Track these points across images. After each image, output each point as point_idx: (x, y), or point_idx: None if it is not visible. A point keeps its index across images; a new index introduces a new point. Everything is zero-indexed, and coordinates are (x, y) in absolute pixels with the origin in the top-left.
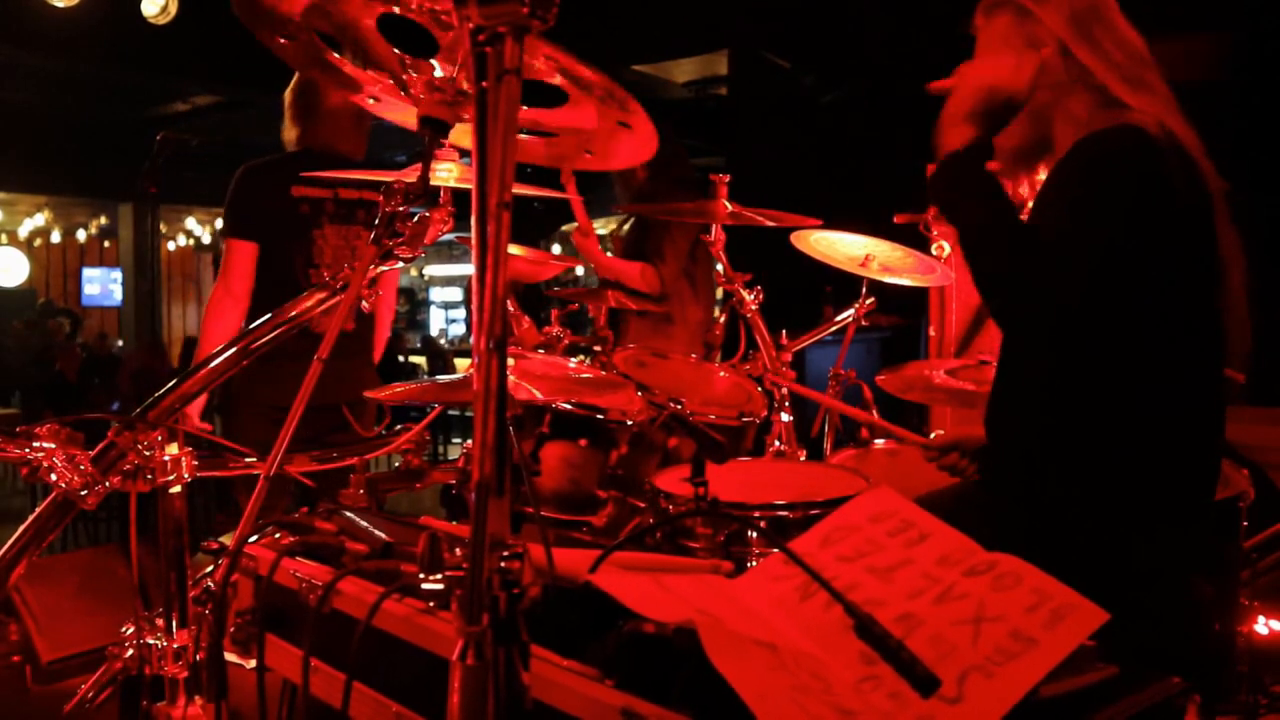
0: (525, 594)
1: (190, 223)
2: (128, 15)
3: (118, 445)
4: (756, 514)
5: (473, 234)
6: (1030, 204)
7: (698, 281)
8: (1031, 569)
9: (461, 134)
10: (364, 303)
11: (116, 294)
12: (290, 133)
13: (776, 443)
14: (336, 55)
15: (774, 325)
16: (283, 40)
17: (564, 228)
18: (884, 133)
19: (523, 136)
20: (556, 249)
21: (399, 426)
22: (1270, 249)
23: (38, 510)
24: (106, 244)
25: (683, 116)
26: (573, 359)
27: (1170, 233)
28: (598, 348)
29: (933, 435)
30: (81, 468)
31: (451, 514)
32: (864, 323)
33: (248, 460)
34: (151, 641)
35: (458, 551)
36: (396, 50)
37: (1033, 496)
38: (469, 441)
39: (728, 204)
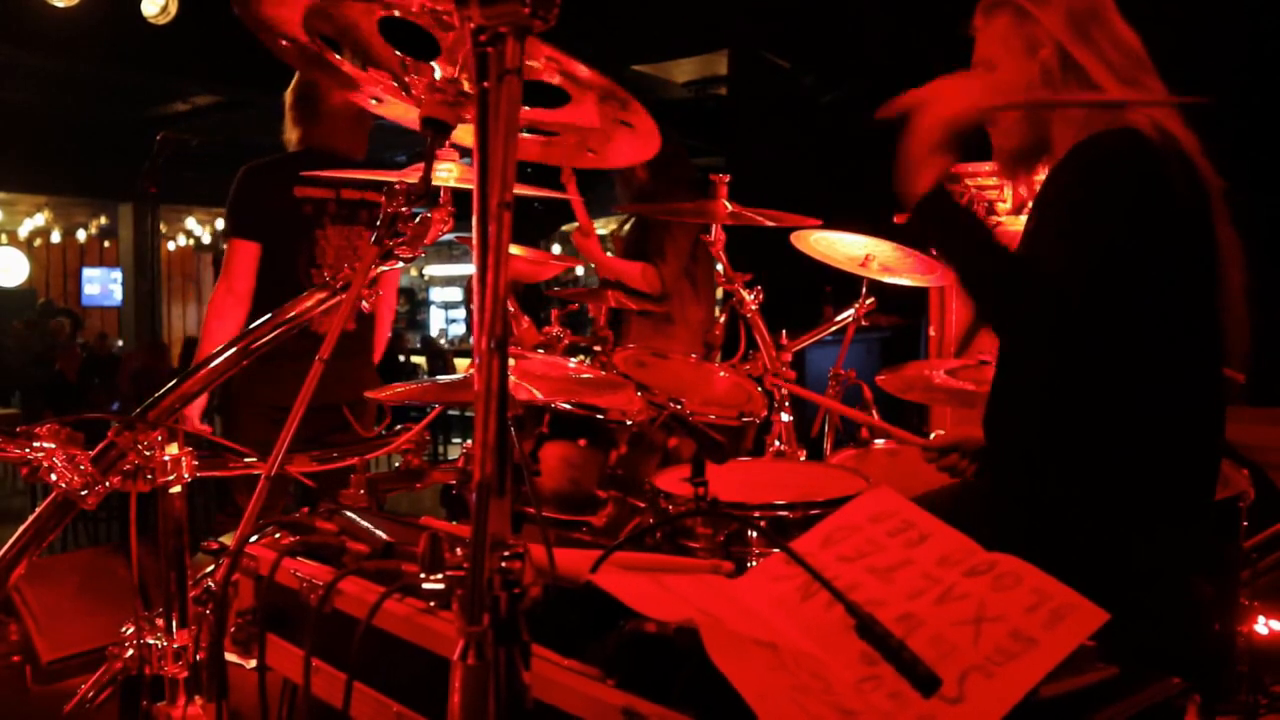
0: (526, 594)
1: (190, 223)
2: (128, 15)
3: (118, 445)
4: (756, 514)
5: (474, 234)
6: (1030, 204)
7: (698, 281)
8: (1031, 569)
9: (464, 132)
10: (364, 303)
11: (116, 294)
12: (292, 133)
13: (776, 443)
14: (338, 56)
15: (774, 325)
16: (284, 42)
17: (564, 228)
18: (884, 133)
19: (524, 135)
20: (556, 249)
21: (399, 426)
22: (1270, 249)
23: (38, 510)
24: (106, 244)
25: (683, 116)
26: (573, 359)
27: (1169, 233)
28: (598, 348)
29: (932, 436)
30: (81, 468)
31: (452, 514)
32: (864, 323)
33: (248, 460)
34: (151, 641)
35: (458, 551)
36: (397, 52)
37: (1033, 496)
38: (469, 441)
39: (728, 204)
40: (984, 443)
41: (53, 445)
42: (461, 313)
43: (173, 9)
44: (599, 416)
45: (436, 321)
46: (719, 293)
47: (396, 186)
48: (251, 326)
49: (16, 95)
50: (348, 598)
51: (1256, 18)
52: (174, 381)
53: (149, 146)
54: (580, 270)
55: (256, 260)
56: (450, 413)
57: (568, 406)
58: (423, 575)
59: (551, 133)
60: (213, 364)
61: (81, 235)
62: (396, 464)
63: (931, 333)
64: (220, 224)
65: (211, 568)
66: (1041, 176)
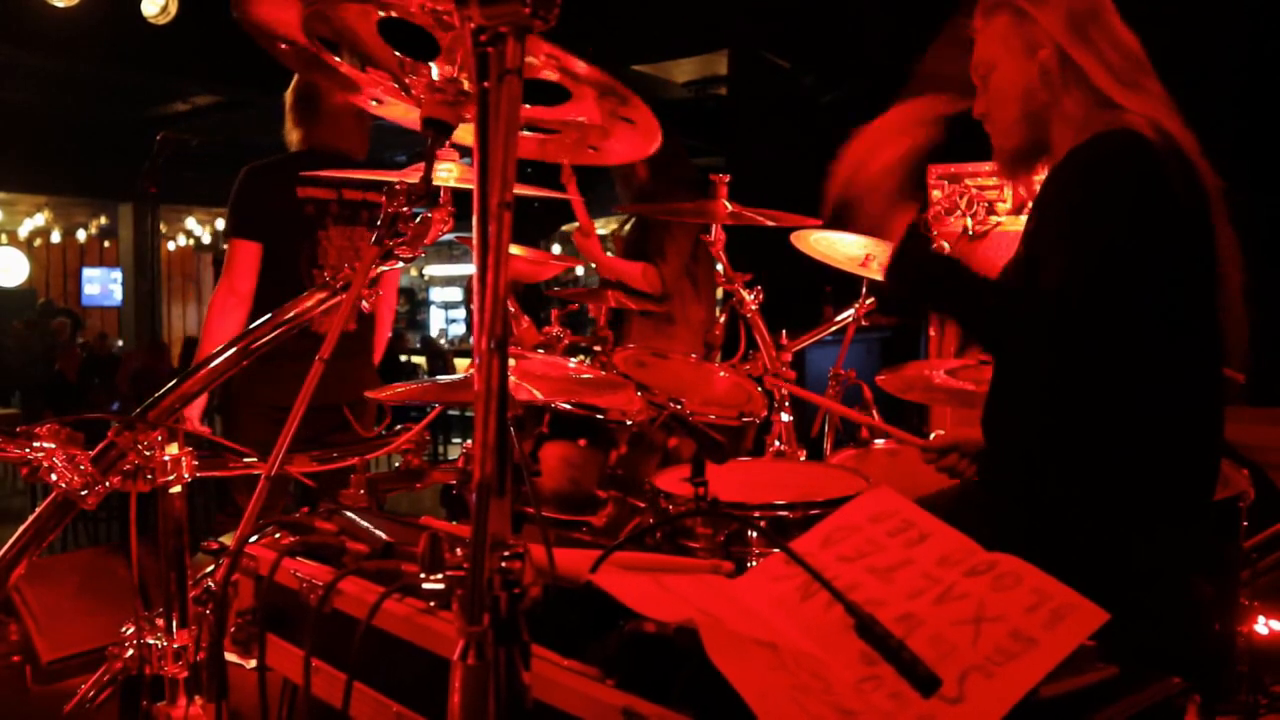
0: (526, 594)
1: (190, 223)
2: (128, 15)
3: (118, 445)
4: (756, 514)
5: (474, 234)
6: (1030, 205)
7: (699, 281)
8: (1031, 569)
9: (464, 132)
10: (364, 303)
11: (116, 294)
12: (293, 134)
13: (776, 443)
14: (336, 59)
15: (774, 325)
16: (283, 46)
17: (564, 228)
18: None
19: (524, 134)
20: (556, 249)
21: (399, 426)
22: (1270, 249)
23: (38, 510)
24: (106, 244)
25: (683, 116)
26: (573, 359)
27: (1169, 234)
28: (598, 348)
29: (932, 436)
30: (81, 468)
31: (451, 514)
32: (864, 323)
33: (248, 460)
34: (151, 641)
35: (458, 551)
36: (396, 53)
37: (1032, 496)
38: (469, 441)
39: (728, 204)
40: (983, 443)
41: (53, 445)
42: (461, 313)
43: (173, 9)
44: (599, 416)
45: (436, 321)
46: (719, 293)
47: (397, 187)
48: (251, 326)
49: (16, 95)
50: (347, 598)
51: (1256, 18)
52: (174, 381)
53: (149, 146)
54: (580, 270)
55: (258, 260)
56: (450, 413)
57: (568, 406)
58: (422, 575)
59: (552, 130)
60: (213, 364)
61: (81, 235)
62: (396, 464)
63: (931, 333)
64: (220, 224)
65: (211, 568)
66: (1041, 177)
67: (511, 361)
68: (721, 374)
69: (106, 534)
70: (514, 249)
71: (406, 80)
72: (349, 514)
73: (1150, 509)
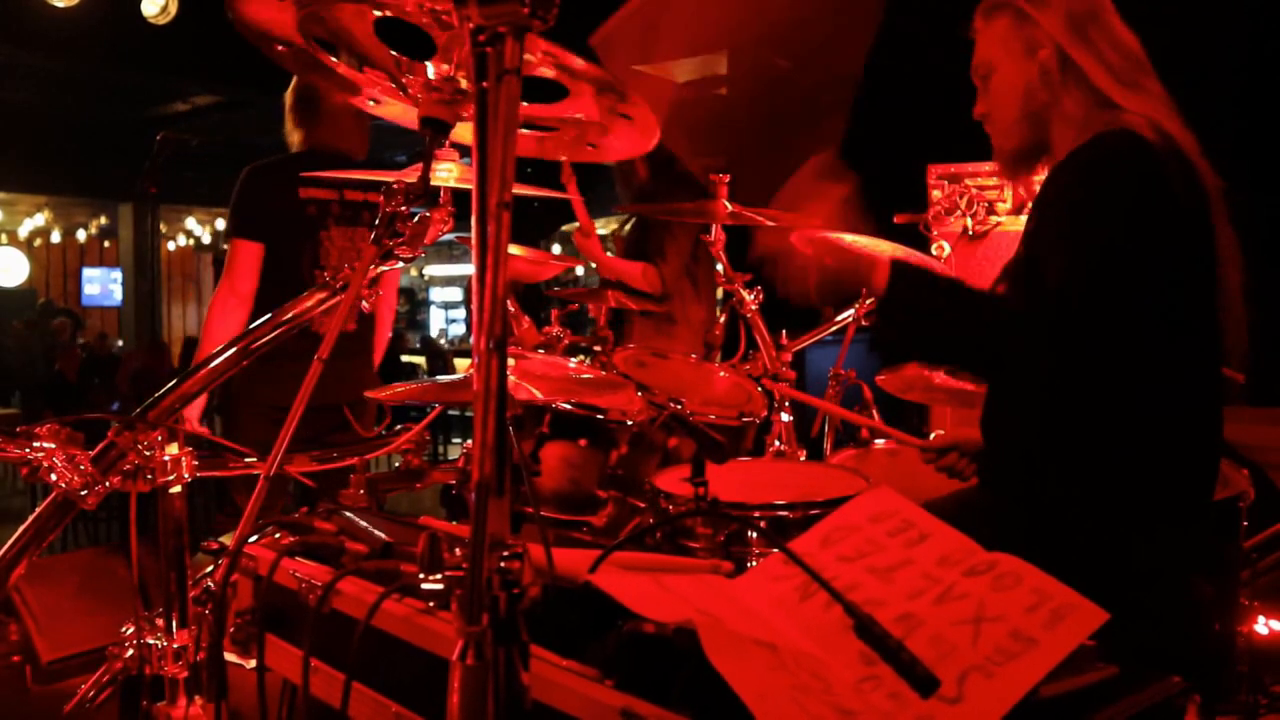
0: (525, 594)
1: (190, 223)
2: (128, 15)
3: (118, 445)
4: (756, 514)
5: (473, 234)
6: (1030, 205)
7: (699, 281)
8: (1031, 569)
9: (464, 131)
10: (364, 303)
11: (116, 294)
12: (294, 135)
13: (776, 443)
14: (334, 59)
15: (774, 325)
16: (280, 48)
17: (564, 228)
18: (884, 133)
19: (523, 131)
20: (556, 249)
21: (399, 426)
22: (1270, 249)
23: (38, 510)
24: (106, 244)
25: None
26: (573, 359)
27: (1169, 234)
28: (598, 348)
29: (932, 436)
30: (81, 468)
31: (451, 514)
32: (864, 323)
33: (248, 460)
34: (151, 641)
35: (458, 551)
36: (393, 52)
37: (1032, 497)
38: (469, 441)
39: (728, 204)
40: (983, 443)
41: (53, 445)
42: (461, 313)
43: (173, 9)
44: (599, 416)
45: (436, 321)
46: (719, 293)
47: (394, 186)
48: (251, 326)
49: (16, 95)
50: (346, 598)
51: (1256, 18)
52: (174, 381)
53: (149, 146)
54: (580, 270)
55: (260, 261)
56: (450, 413)
57: (568, 406)
58: (422, 575)
59: (550, 127)
60: (212, 364)
61: (81, 235)
62: (396, 464)
63: None
64: (221, 224)
65: (211, 568)
66: (1041, 177)
67: (511, 361)
68: (721, 374)
69: (106, 534)
70: (514, 249)
71: (404, 79)
72: (348, 514)
73: (1150, 509)
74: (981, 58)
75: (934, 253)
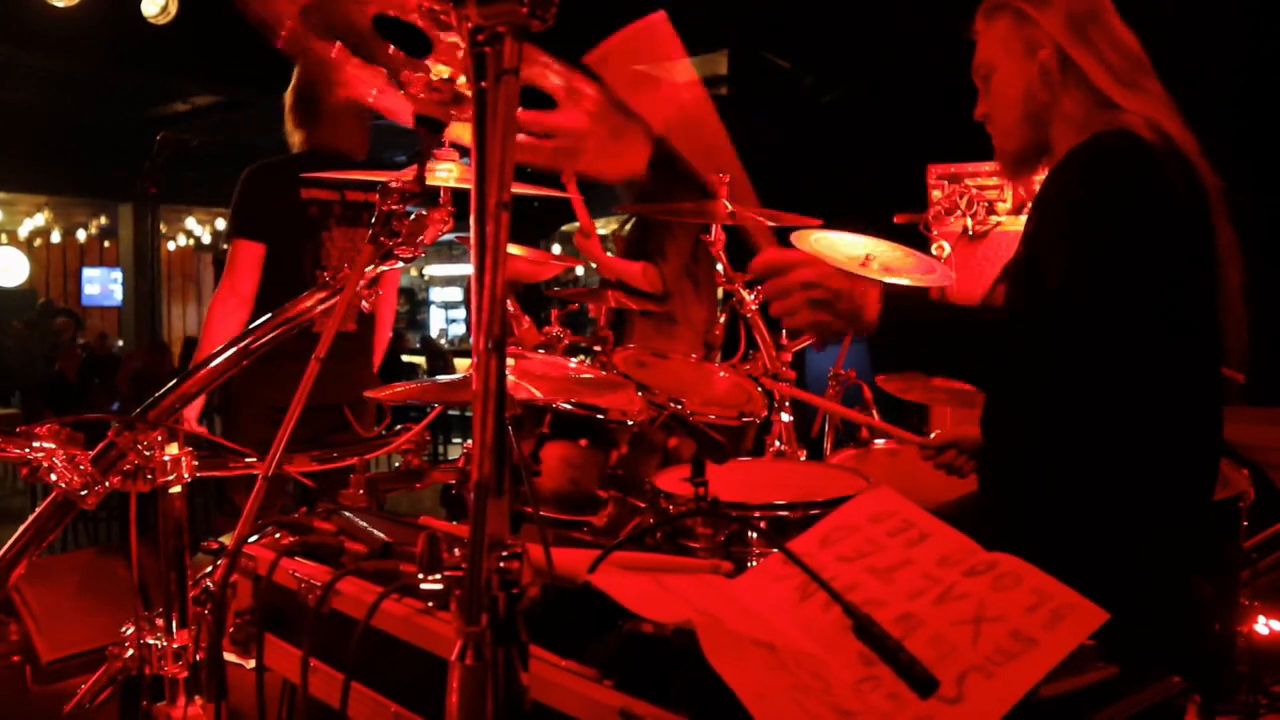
0: (524, 594)
1: (190, 223)
2: (128, 15)
3: (118, 445)
4: (756, 514)
5: (472, 234)
6: (1029, 205)
7: (700, 280)
8: (1031, 569)
9: (464, 130)
10: (364, 303)
11: (116, 294)
12: (294, 135)
13: (776, 443)
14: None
15: (774, 325)
16: (283, 33)
17: (564, 228)
18: (884, 133)
19: (523, 138)
20: (556, 249)
21: (399, 426)
22: (1270, 249)
23: (38, 510)
24: (106, 244)
25: None
26: (573, 359)
27: (1169, 234)
28: (598, 348)
29: (932, 435)
30: (81, 468)
31: (451, 514)
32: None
33: (248, 460)
34: (151, 641)
35: (457, 551)
36: (393, 49)
37: (1032, 497)
38: (469, 441)
39: (728, 204)
40: (981, 441)
41: (53, 445)
42: (461, 313)
43: (173, 9)
44: (599, 416)
45: (436, 321)
46: (719, 293)
47: (390, 185)
48: (251, 326)
49: (16, 95)
50: (346, 598)
51: (1256, 18)
52: (174, 381)
53: (149, 146)
54: (580, 270)
55: (261, 261)
56: (450, 413)
57: (568, 406)
58: (421, 575)
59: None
60: (212, 364)
61: (81, 235)
62: (396, 464)
63: None
64: (221, 224)
65: (211, 568)
66: (1042, 177)
67: (511, 361)
68: (721, 374)
69: (106, 534)
70: (513, 249)
71: (403, 77)
72: (348, 514)
73: (1150, 509)
74: (982, 58)
75: (934, 253)
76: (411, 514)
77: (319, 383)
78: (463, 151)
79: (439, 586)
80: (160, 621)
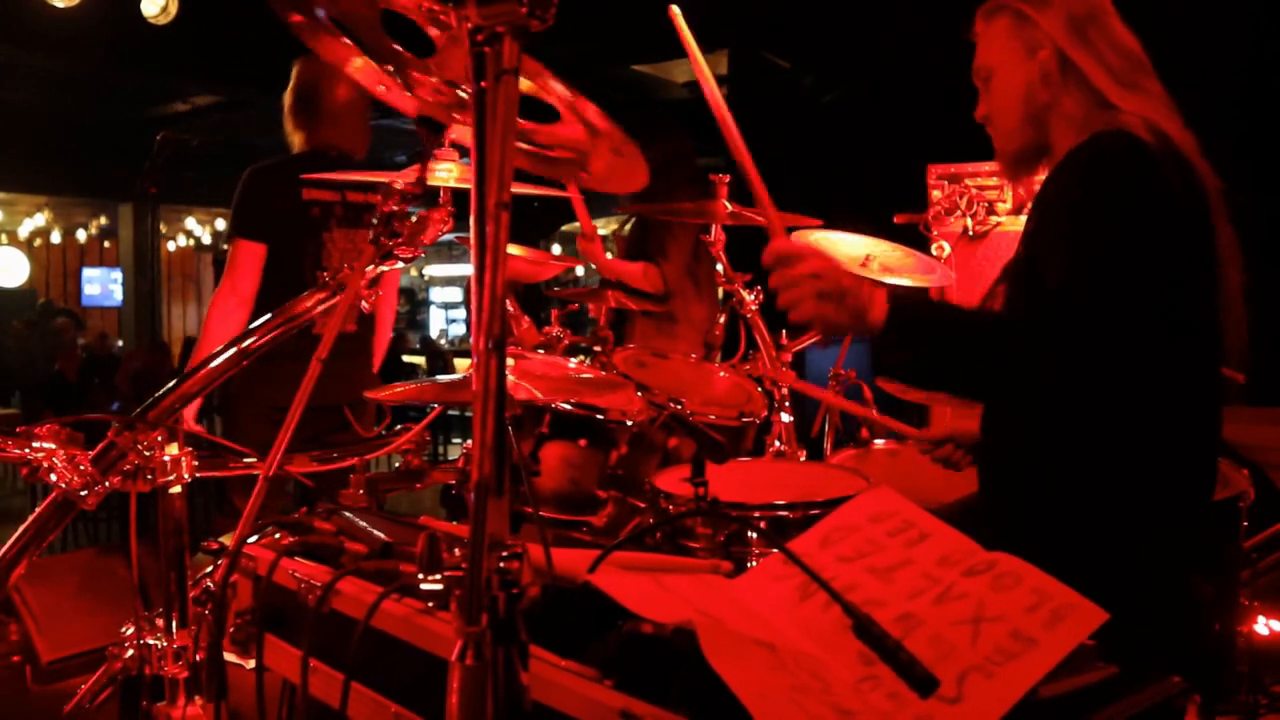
0: (524, 594)
1: (190, 223)
2: (128, 15)
3: (118, 445)
4: (756, 514)
5: (472, 234)
6: (1029, 205)
7: (701, 280)
8: (1031, 569)
9: (465, 131)
10: (364, 303)
11: (116, 294)
12: (295, 136)
13: (776, 443)
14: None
15: (774, 325)
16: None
17: (564, 228)
18: (884, 133)
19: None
20: (556, 249)
21: (399, 426)
22: (1270, 249)
23: (38, 510)
24: (106, 244)
25: (683, 116)
26: (573, 359)
27: (1168, 234)
28: (598, 348)
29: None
30: (81, 468)
31: (451, 514)
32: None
33: (247, 460)
34: (151, 641)
35: (457, 552)
36: (398, 49)
37: (1032, 497)
38: (469, 441)
39: (728, 204)
40: (978, 435)
41: (53, 445)
42: (461, 313)
43: (173, 9)
44: (599, 416)
45: (436, 321)
46: (719, 293)
47: (392, 186)
48: (251, 327)
49: (16, 95)
50: (346, 598)
51: (1256, 18)
52: (174, 382)
53: (149, 146)
54: (580, 270)
55: (262, 262)
56: (450, 413)
57: (568, 406)
58: (421, 576)
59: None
60: (212, 364)
61: (81, 235)
62: (396, 464)
63: None
64: (221, 224)
65: (211, 568)
66: (1042, 178)
67: (511, 361)
68: (721, 374)
69: (106, 534)
70: (513, 249)
71: (410, 77)
72: (348, 514)
73: (1150, 509)
74: (982, 60)
75: (934, 253)
76: (411, 514)
77: (319, 383)
78: (462, 151)
79: (439, 586)
80: (160, 621)
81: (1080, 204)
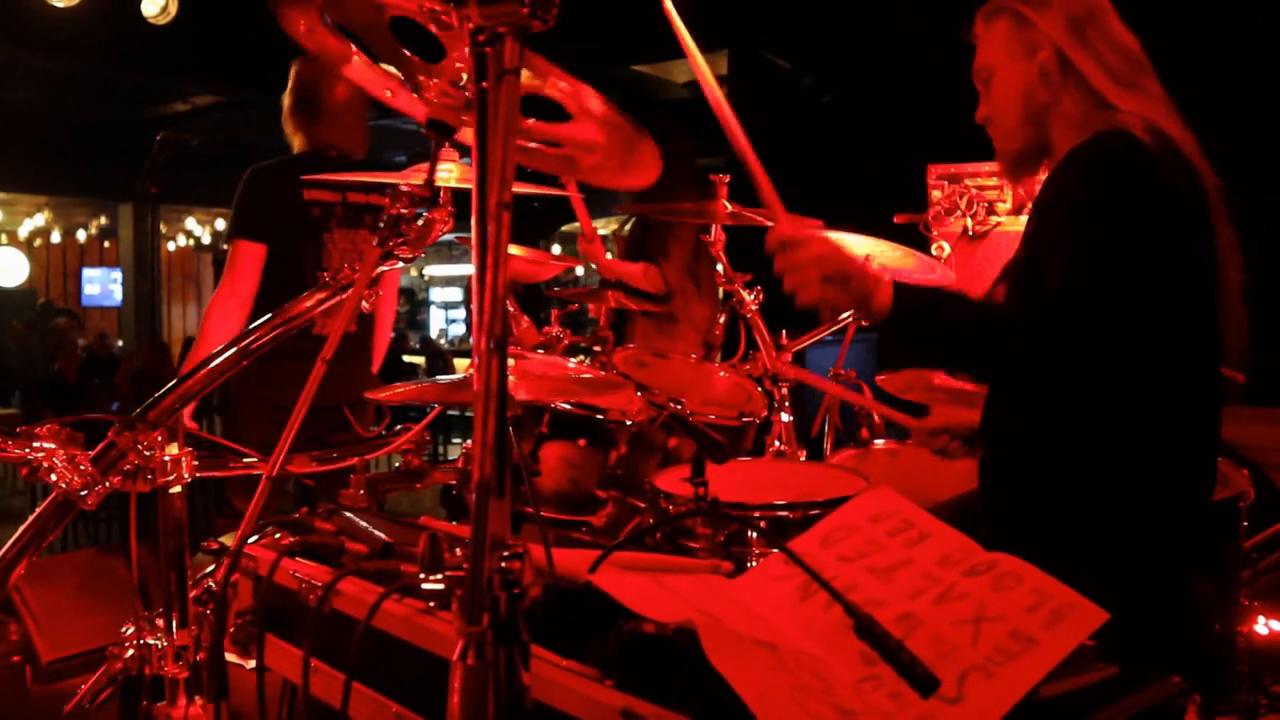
0: (525, 594)
1: (190, 223)
2: (128, 15)
3: (118, 445)
4: (756, 514)
5: (473, 234)
6: (1029, 205)
7: (701, 280)
8: (1031, 569)
9: (466, 131)
10: (364, 304)
11: (116, 294)
12: (295, 137)
13: (776, 443)
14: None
15: (774, 325)
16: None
17: (564, 228)
18: (884, 133)
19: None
20: (556, 249)
21: (399, 426)
22: (1270, 249)
23: (38, 510)
24: (106, 244)
25: (683, 116)
26: (572, 359)
27: (1168, 233)
28: (598, 348)
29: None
30: (81, 468)
31: (451, 514)
32: (864, 323)
33: (248, 460)
34: (151, 641)
35: (458, 552)
36: (407, 52)
37: (1032, 497)
38: (469, 441)
39: (728, 204)
40: (975, 426)
41: (53, 445)
42: (461, 313)
43: (173, 9)
44: (599, 416)
45: (436, 321)
46: (719, 293)
47: (401, 189)
48: (251, 327)
49: (16, 95)
50: (346, 598)
51: (1256, 18)
52: (174, 382)
53: (149, 146)
54: (580, 270)
55: (262, 262)
56: (450, 413)
57: (568, 406)
58: (422, 576)
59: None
60: (212, 364)
61: (81, 235)
62: (396, 464)
63: None
64: (221, 224)
65: (211, 568)
66: (1042, 178)
67: (511, 362)
68: (721, 374)
69: (106, 534)
70: (514, 249)
71: (419, 80)
72: (348, 514)
73: (1150, 509)
74: (982, 61)
75: (934, 253)
76: (411, 514)
77: (320, 383)
78: (463, 151)
79: (440, 586)
80: (160, 621)
81: (1080, 204)
